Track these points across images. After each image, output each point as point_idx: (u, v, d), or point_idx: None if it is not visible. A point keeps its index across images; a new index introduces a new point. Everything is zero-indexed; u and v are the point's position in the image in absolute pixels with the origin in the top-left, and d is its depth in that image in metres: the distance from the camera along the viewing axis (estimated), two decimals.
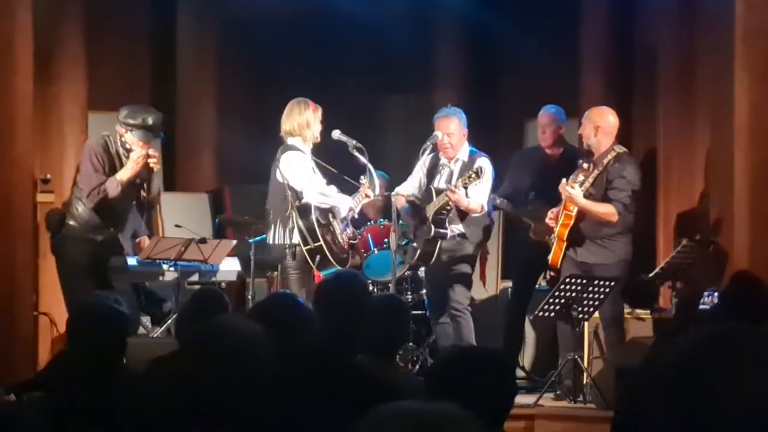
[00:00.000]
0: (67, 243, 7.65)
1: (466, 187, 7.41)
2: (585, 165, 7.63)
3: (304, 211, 7.36)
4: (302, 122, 7.42)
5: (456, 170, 7.77)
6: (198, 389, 2.82)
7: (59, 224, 7.69)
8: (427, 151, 7.74)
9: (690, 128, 9.02)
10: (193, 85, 11.12)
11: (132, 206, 7.86)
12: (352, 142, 7.54)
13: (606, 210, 7.50)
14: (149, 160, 7.56)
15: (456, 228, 7.69)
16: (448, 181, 7.72)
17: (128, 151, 7.54)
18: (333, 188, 7.55)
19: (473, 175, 7.37)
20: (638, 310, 8.26)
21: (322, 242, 7.31)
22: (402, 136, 10.72)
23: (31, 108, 7.74)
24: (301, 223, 7.32)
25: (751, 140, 7.21)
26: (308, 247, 7.29)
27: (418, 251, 7.70)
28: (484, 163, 7.65)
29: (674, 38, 9.21)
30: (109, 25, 10.69)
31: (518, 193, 8.25)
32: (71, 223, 7.60)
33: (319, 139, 7.51)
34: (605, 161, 7.51)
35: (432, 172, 7.86)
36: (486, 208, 7.75)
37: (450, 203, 7.53)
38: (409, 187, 7.87)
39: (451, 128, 7.75)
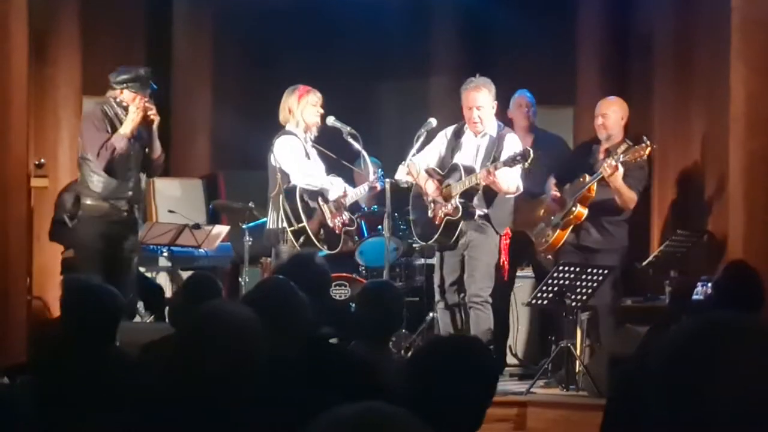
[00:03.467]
0: (83, 227, 7.62)
1: (509, 167, 7.01)
2: (601, 155, 7.63)
3: (290, 192, 7.39)
4: (285, 109, 7.51)
5: (483, 146, 7.41)
6: (190, 374, 2.82)
7: (75, 206, 7.66)
8: (422, 138, 7.53)
9: (685, 117, 9.02)
10: (189, 69, 11.10)
11: (140, 172, 7.78)
12: (346, 129, 7.55)
13: (631, 196, 7.57)
14: (149, 113, 7.58)
15: (479, 210, 7.33)
16: (474, 157, 7.39)
17: (126, 109, 7.58)
18: (322, 171, 7.55)
19: (519, 158, 6.94)
20: (632, 299, 8.29)
21: (305, 223, 7.33)
22: (397, 122, 10.71)
23: (25, 91, 7.72)
24: (286, 205, 7.36)
25: (747, 130, 7.22)
26: (292, 228, 7.33)
27: (437, 234, 7.37)
28: (515, 141, 7.34)
29: (670, 27, 9.21)
30: (105, 9, 10.67)
31: None
32: (88, 202, 7.56)
33: (312, 123, 7.49)
34: (618, 151, 7.52)
35: (453, 146, 7.48)
36: (521, 189, 7.36)
37: (480, 183, 7.20)
38: (425, 161, 7.53)
39: (480, 100, 7.32)
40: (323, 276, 5.01)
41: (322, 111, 7.52)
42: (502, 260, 7.48)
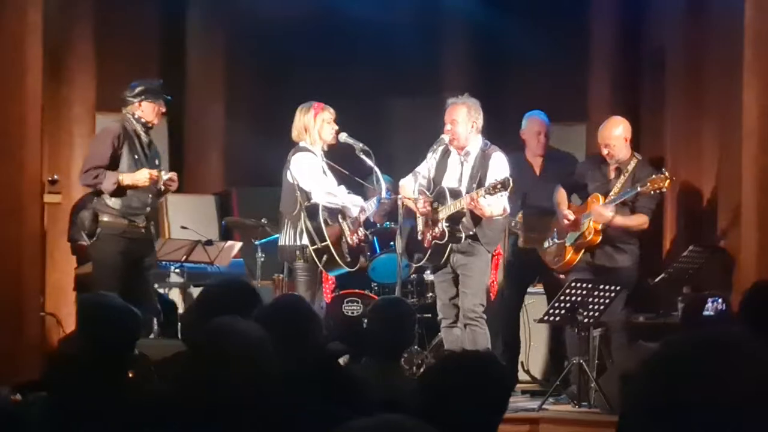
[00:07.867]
0: (102, 245, 7.50)
1: (490, 195, 6.99)
2: (612, 174, 7.64)
3: (312, 211, 7.35)
4: (300, 127, 7.46)
5: (468, 164, 7.39)
6: (202, 390, 2.83)
7: (93, 224, 7.52)
8: (437, 154, 7.47)
9: (697, 133, 9.01)
10: (202, 86, 11.14)
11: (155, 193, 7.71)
12: (358, 145, 7.54)
13: (640, 221, 7.60)
14: (169, 186, 7.63)
15: (466, 231, 7.28)
16: (459, 177, 7.38)
17: (144, 125, 7.54)
18: (342, 189, 7.55)
19: (499, 186, 6.93)
20: (644, 315, 8.27)
21: (328, 242, 7.30)
22: (409, 138, 10.71)
23: (40, 109, 7.76)
24: (308, 223, 7.32)
25: (760, 145, 7.21)
26: (315, 246, 7.30)
27: (428, 253, 7.36)
28: (501, 161, 7.31)
29: (682, 42, 9.20)
30: (119, 27, 10.73)
31: None
32: (106, 219, 7.47)
33: (329, 140, 7.47)
34: (629, 168, 7.53)
35: (441, 165, 7.47)
36: (508, 210, 7.36)
37: (464, 208, 7.17)
38: (413, 184, 7.48)
39: (455, 115, 7.35)
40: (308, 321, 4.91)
41: (336, 127, 7.51)
42: (491, 279, 7.46)
